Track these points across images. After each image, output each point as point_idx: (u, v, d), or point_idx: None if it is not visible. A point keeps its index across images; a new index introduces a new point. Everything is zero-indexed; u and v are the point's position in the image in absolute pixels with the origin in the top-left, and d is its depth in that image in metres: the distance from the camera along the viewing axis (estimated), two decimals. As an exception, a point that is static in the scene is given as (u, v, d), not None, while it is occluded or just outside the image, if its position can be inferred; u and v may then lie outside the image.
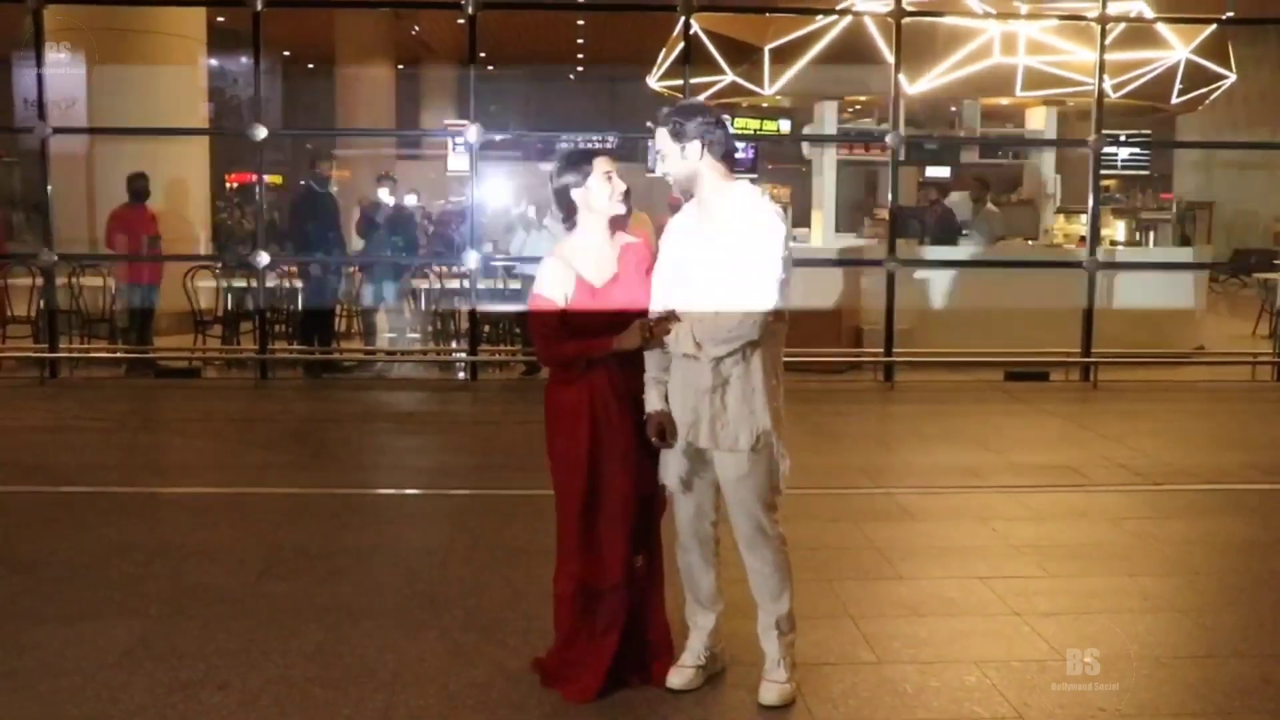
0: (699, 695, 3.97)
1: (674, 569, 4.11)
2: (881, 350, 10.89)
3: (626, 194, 3.88)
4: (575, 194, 3.88)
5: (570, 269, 3.86)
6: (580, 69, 33.68)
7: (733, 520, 3.89)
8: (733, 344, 3.71)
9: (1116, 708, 3.95)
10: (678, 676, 4.00)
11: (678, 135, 3.79)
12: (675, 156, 3.80)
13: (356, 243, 12.28)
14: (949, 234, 13.55)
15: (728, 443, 3.77)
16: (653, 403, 3.86)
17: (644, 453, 3.90)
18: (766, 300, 3.69)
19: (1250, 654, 4.47)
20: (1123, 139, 22.38)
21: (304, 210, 11.31)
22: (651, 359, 3.85)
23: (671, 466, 3.89)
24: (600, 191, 3.86)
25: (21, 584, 5.13)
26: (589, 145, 3.78)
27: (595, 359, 3.83)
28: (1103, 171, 12.69)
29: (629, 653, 3.98)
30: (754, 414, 3.76)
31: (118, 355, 11.38)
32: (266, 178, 11.64)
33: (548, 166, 4.08)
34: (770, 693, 3.93)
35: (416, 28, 26.87)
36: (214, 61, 17.51)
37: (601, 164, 3.86)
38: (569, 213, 3.94)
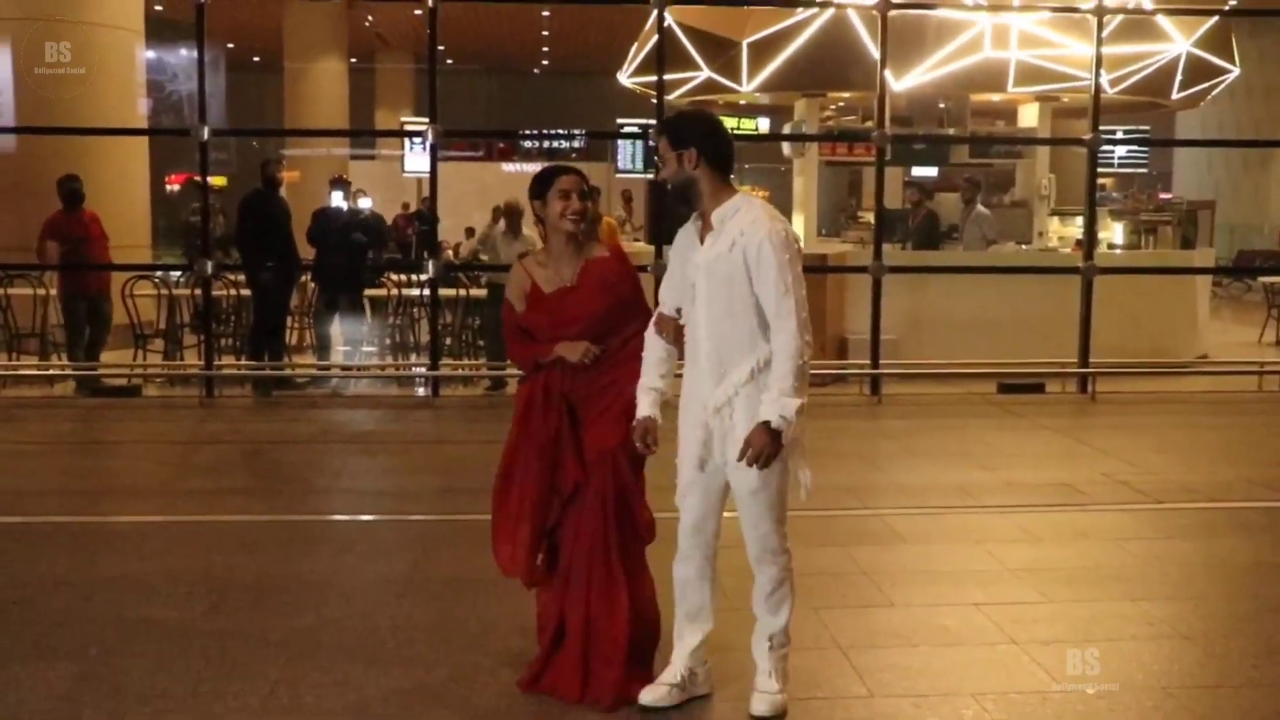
0: (684, 713, 4.04)
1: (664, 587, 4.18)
2: (867, 362, 10.96)
3: (581, 214, 4.27)
4: (536, 207, 4.36)
5: (528, 275, 4.36)
6: (546, 64, 33.76)
7: (745, 533, 4.02)
8: (805, 380, 3.83)
9: (1122, 742, 4.00)
10: (649, 693, 4.09)
11: (676, 142, 3.99)
12: (673, 163, 4.01)
13: (307, 251, 12.23)
14: (934, 238, 13.65)
15: (739, 461, 3.88)
16: (642, 409, 4.09)
17: (565, 453, 4.21)
18: (798, 325, 3.81)
19: (1263, 683, 4.52)
20: (1120, 136, 22.61)
21: (254, 215, 11.21)
22: (649, 367, 4.11)
23: (682, 475, 4.07)
24: (553, 208, 4.28)
25: (-49, 623, 5.08)
26: (559, 166, 4.34)
27: (542, 363, 4.28)
28: (1099, 170, 12.79)
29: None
30: None
31: (50, 373, 11.31)
32: (211, 180, 11.56)
33: (510, 167, 4.48)
34: (761, 703, 4.04)
35: (370, 19, 26.88)
36: (153, 54, 17.44)
37: (561, 183, 4.29)
38: (543, 225, 4.43)
